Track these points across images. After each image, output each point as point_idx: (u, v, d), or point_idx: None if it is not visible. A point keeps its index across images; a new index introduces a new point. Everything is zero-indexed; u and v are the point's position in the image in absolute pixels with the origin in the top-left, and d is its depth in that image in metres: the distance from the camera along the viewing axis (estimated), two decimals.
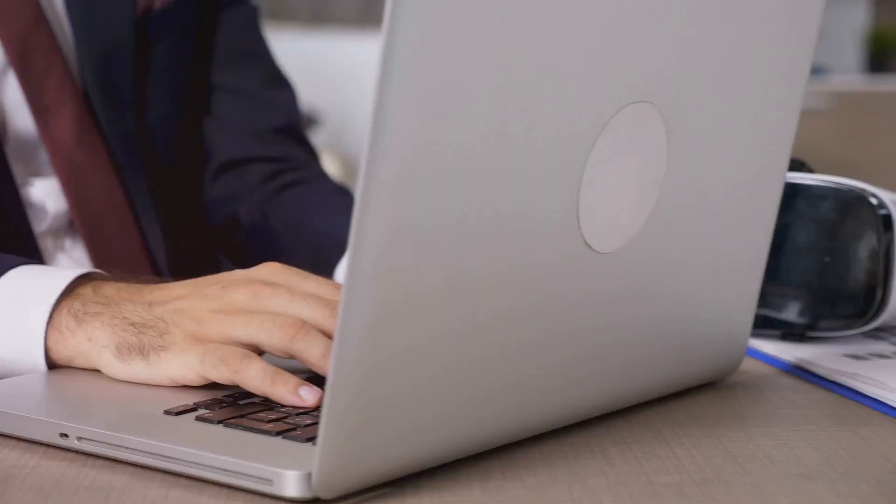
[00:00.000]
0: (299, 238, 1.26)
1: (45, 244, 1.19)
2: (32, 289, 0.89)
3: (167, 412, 0.78)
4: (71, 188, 1.19)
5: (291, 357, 0.81)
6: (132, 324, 0.84)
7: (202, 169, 1.34)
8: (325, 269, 1.18)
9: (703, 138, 0.82)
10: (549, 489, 0.71)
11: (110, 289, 0.88)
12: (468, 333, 0.71)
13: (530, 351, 0.76)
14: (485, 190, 0.69)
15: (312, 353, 0.80)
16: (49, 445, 0.78)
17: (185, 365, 0.82)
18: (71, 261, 1.20)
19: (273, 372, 0.79)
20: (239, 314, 0.82)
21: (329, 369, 0.65)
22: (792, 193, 1.02)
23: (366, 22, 5.19)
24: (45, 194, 1.19)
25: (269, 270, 0.86)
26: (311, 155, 1.38)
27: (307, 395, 0.78)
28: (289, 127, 1.36)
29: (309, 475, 0.67)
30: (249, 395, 0.81)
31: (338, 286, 0.84)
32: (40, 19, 1.18)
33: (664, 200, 0.80)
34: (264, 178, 1.32)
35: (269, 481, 0.68)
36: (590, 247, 0.76)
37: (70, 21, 1.21)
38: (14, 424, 0.79)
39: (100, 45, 1.21)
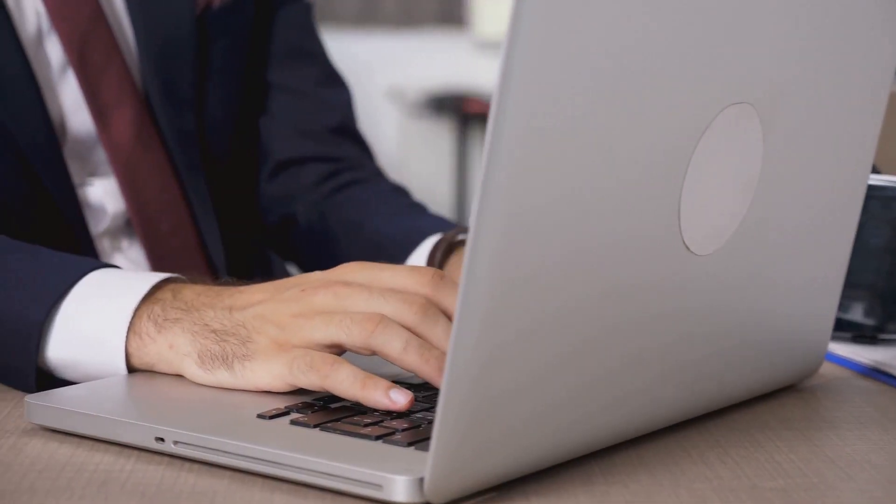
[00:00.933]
0: (358, 239, 1.25)
1: (103, 245, 1.18)
2: (112, 293, 0.87)
3: (260, 416, 0.77)
4: (129, 188, 1.18)
5: (372, 353, 0.80)
6: (213, 331, 0.83)
7: (258, 168, 1.33)
8: None
9: (796, 140, 0.81)
10: (654, 495, 0.70)
11: (189, 293, 0.87)
12: (574, 337, 0.71)
13: (630, 353, 0.75)
14: (594, 189, 0.68)
15: (393, 346, 0.79)
16: (142, 449, 0.77)
17: (271, 373, 0.81)
18: (128, 261, 1.19)
19: (363, 375, 0.78)
20: (318, 315, 0.81)
21: (444, 375, 0.64)
22: None
23: (366, 21, 5.19)
24: (104, 194, 1.18)
25: (347, 269, 0.84)
26: (367, 154, 1.37)
27: (398, 398, 0.77)
28: (344, 126, 1.35)
29: (420, 480, 0.67)
30: (338, 398, 0.80)
31: (415, 271, 0.83)
32: (100, 18, 1.17)
33: (758, 202, 0.80)
34: (320, 177, 1.31)
35: (377, 486, 0.68)
36: (689, 249, 0.76)
37: (130, 19, 1.20)
38: (107, 428, 0.78)
39: (160, 44, 1.20)
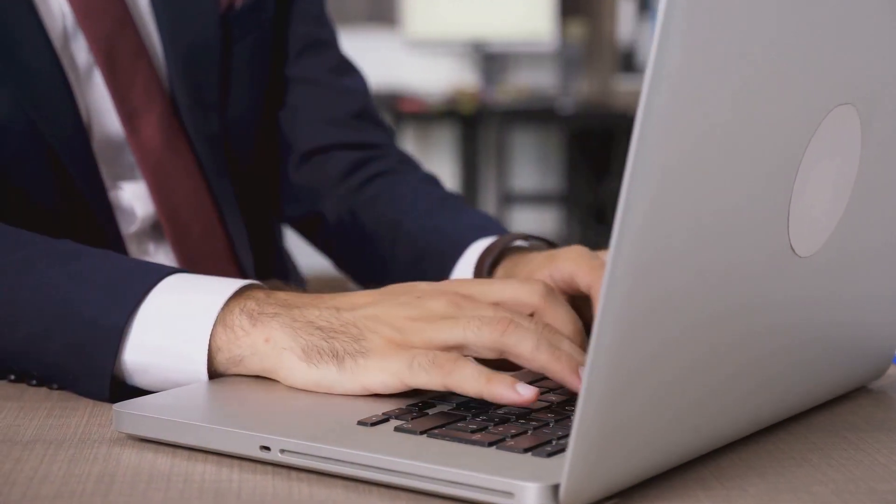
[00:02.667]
0: (398, 240, 1.23)
1: (130, 248, 1.16)
2: (199, 290, 0.86)
3: (361, 423, 0.76)
4: (158, 191, 1.16)
5: (501, 354, 0.80)
6: (319, 328, 0.82)
7: (281, 162, 1.31)
8: (435, 272, 1.15)
9: (892, 140, 0.81)
10: (776, 499, 0.70)
11: (283, 294, 0.86)
12: (699, 347, 0.70)
13: (743, 360, 0.75)
14: (721, 199, 0.68)
15: (525, 345, 0.79)
16: (242, 458, 0.75)
17: (386, 371, 0.79)
18: None
19: (488, 371, 0.77)
20: (441, 320, 0.80)
21: (581, 382, 0.64)
22: None
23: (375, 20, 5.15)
24: (134, 197, 1.16)
25: (458, 283, 0.85)
26: (390, 137, 1.36)
27: (525, 392, 0.76)
28: (365, 111, 1.34)
29: (554, 487, 0.66)
30: (434, 404, 0.79)
31: (525, 284, 0.83)
32: (126, 19, 1.15)
33: (853, 204, 0.80)
34: (347, 169, 1.30)
35: (508, 494, 0.67)
36: (793, 250, 0.76)
37: (155, 21, 1.17)
38: (207, 437, 0.76)
39: (186, 46, 1.18)
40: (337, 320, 0.82)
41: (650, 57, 0.61)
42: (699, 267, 0.68)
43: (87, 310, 0.86)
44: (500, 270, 1.09)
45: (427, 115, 5.64)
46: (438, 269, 1.15)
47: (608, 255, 0.62)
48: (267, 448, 0.74)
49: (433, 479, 0.69)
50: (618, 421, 0.66)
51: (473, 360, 0.79)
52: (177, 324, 0.85)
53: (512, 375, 0.78)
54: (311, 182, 1.31)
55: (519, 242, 1.10)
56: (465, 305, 0.82)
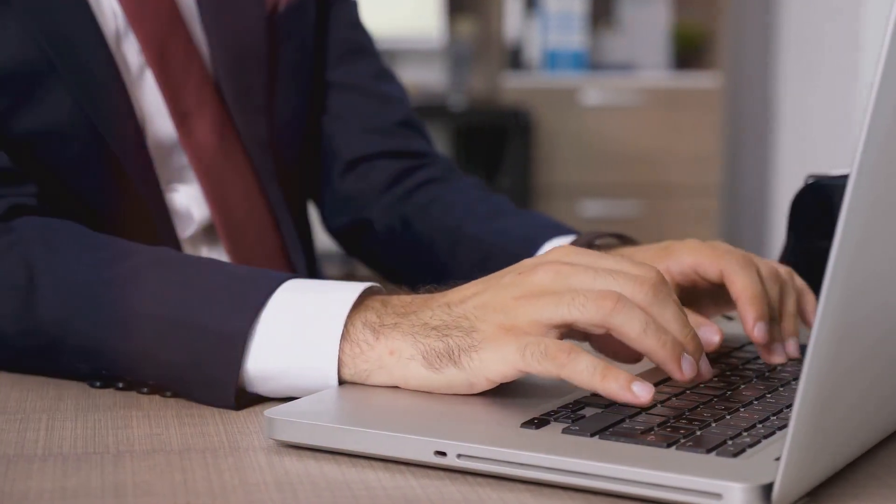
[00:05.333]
0: (460, 245, 1.22)
1: (185, 252, 1.13)
2: (317, 301, 0.84)
3: (524, 426, 0.75)
4: (213, 194, 1.14)
5: (607, 332, 0.78)
6: (434, 328, 0.81)
7: (325, 170, 1.29)
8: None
9: None
10: None
11: (397, 300, 0.84)
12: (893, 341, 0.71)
13: None
14: None
15: (632, 326, 0.77)
16: (411, 463, 0.74)
17: (502, 360, 0.78)
18: None
19: (602, 366, 0.76)
20: (545, 295, 0.79)
21: (799, 386, 0.64)
22: None
23: None
24: (189, 200, 1.14)
25: (562, 252, 0.82)
26: (431, 144, 1.35)
27: (640, 391, 0.76)
28: (409, 120, 1.33)
29: (763, 487, 0.66)
30: (583, 405, 0.79)
31: (637, 263, 0.82)
32: (177, 20, 1.12)
33: None
34: (392, 176, 1.28)
35: (716, 496, 0.67)
36: None
37: (202, 22, 1.15)
38: (377, 443, 0.75)
39: (234, 47, 1.16)
40: (449, 316, 0.81)
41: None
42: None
43: (206, 319, 0.84)
44: None
45: None
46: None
47: (827, 267, 0.62)
48: (442, 453, 0.73)
49: (632, 481, 0.69)
50: (826, 421, 0.67)
51: (588, 352, 0.78)
52: (302, 335, 0.83)
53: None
54: (356, 191, 1.29)
55: (601, 240, 1.09)
56: (570, 274, 0.80)
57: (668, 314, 0.79)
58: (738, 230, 4.88)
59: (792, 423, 0.64)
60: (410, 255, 1.27)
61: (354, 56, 1.32)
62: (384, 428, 0.75)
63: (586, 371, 0.76)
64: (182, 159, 1.14)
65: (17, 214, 0.96)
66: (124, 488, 0.70)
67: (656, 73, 4.57)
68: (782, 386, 0.86)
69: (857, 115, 4.16)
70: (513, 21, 4.47)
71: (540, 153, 4.30)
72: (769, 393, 0.84)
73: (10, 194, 0.98)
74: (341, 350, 0.83)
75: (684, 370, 0.78)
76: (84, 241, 0.92)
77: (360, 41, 1.34)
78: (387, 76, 1.35)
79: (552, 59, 4.42)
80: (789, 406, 0.80)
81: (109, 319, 0.87)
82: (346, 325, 0.83)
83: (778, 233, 4.72)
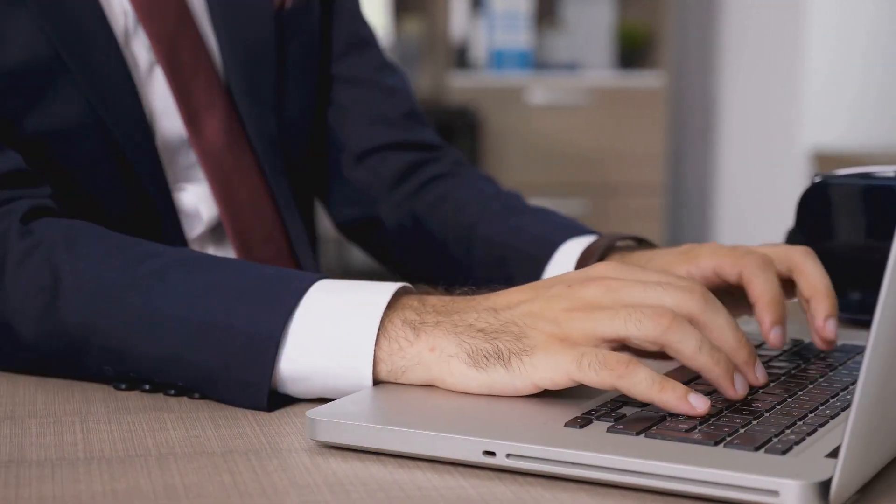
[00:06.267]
0: (475, 243, 1.22)
1: None
2: (351, 300, 0.84)
3: (568, 425, 0.75)
4: (221, 193, 1.13)
5: (661, 349, 0.79)
6: (480, 330, 0.80)
7: (333, 164, 1.28)
8: (523, 274, 1.14)
9: None
10: None
11: (435, 300, 0.84)
12: None
13: None
14: None
15: (688, 345, 0.78)
16: (458, 464, 0.74)
17: (554, 368, 0.78)
18: None
19: (660, 378, 0.77)
20: (598, 310, 0.79)
21: (858, 385, 0.64)
22: None
23: None
24: (198, 199, 1.13)
25: (609, 267, 0.83)
26: (436, 135, 1.34)
27: (697, 403, 0.76)
28: (415, 111, 1.32)
29: (821, 484, 0.66)
30: (621, 403, 0.79)
31: (682, 277, 0.82)
32: (186, 17, 1.12)
33: None
34: (403, 170, 1.28)
35: (773, 493, 0.67)
36: None
37: (211, 19, 1.14)
38: (424, 443, 0.75)
39: (243, 44, 1.15)
40: (496, 320, 0.81)
41: None
42: None
43: (237, 320, 0.83)
44: None
45: None
46: (526, 270, 1.14)
47: (888, 261, 0.62)
48: (491, 453, 0.73)
49: (688, 479, 0.69)
50: (880, 420, 0.67)
51: (644, 364, 0.78)
52: (337, 334, 0.83)
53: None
54: (365, 184, 1.28)
55: (623, 242, 1.09)
56: (619, 289, 0.80)
57: (721, 321, 0.80)
58: (682, 228, 4.91)
59: (850, 422, 0.65)
60: (423, 253, 1.26)
61: (359, 49, 1.31)
62: (432, 428, 0.75)
63: (644, 383, 0.76)
64: (190, 158, 1.13)
65: (37, 216, 0.95)
66: (175, 490, 0.69)
67: (601, 72, 4.59)
68: (811, 383, 0.86)
69: (798, 113, 4.20)
70: (459, 20, 4.47)
71: (487, 152, 4.31)
72: (801, 391, 0.84)
73: (29, 195, 0.97)
74: (378, 347, 0.82)
75: (737, 388, 0.79)
76: (107, 242, 0.91)
77: (363, 34, 1.33)
78: (390, 68, 1.34)
79: (498, 59, 4.43)
80: (824, 404, 0.81)
81: (137, 321, 0.86)
82: (383, 323, 0.83)
83: (719, 230, 4.76)
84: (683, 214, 4.93)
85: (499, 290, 0.85)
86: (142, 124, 1.08)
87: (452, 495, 0.69)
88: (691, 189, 4.92)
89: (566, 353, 0.78)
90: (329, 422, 0.76)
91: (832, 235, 1.09)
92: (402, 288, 0.85)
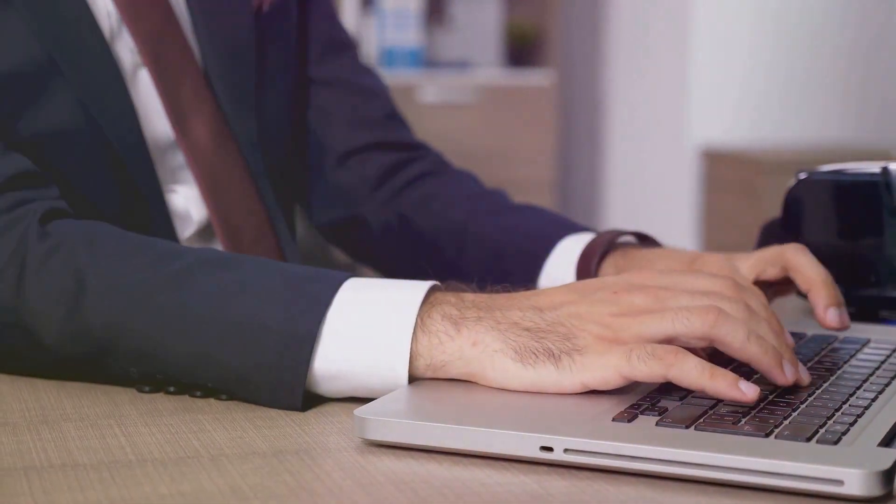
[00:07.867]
0: (468, 242, 1.22)
1: None
2: (385, 297, 0.83)
3: (616, 420, 0.76)
4: (211, 194, 1.12)
5: (711, 344, 0.80)
6: (526, 329, 0.81)
7: (317, 166, 1.27)
8: (520, 272, 1.14)
9: None
10: None
11: (472, 296, 0.84)
12: None
13: None
14: None
15: (736, 336, 0.79)
16: (512, 459, 0.74)
17: (604, 366, 0.79)
18: None
19: (710, 366, 0.78)
20: (645, 314, 0.80)
21: None
22: None
23: None
24: (188, 201, 1.11)
25: (648, 275, 0.84)
26: (415, 136, 1.34)
27: (748, 390, 0.77)
28: (393, 111, 1.32)
29: (883, 473, 0.68)
30: (658, 398, 0.79)
31: (717, 277, 0.84)
32: (171, 18, 1.11)
33: None
34: (385, 170, 1.28)
35: (837, 482, 0.68)
36: None
37: (192, 20, 1.13)
38: (479, 440, 0.75)
39: (224, 46, 1.15)
40: (542, 320, 0.81)
41: None
42: None
43: (269, 320, 0.82)
44: (609, 268, 1.09)
45: None
46: (523, 268, 1.14)
47: None
48: (549, 448, 0.73)
49: (749, 471, 0.70)
50: None
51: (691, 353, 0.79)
52: (372, 331, 0.83)
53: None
54: (348, 185, 1.28)
55: (624, 239, 1.10)
56: (665, 297, 0.82)
57: (765, 314, 0.82)
58: None
59: None
60: (411, 252, 1.26)
61: (335, 51, 1.31)
62: (487, 424, 0.75)
63: (695, 370, 0.78)
64: (178, 159, 1.12)
65: (54, 217, 0.92)
66: (242, 491, 0.68)
67: (490, 70, 4.61)
68: (833, 375, 0.87)
69: (685, 110, 4.26)
70: (349, 18, 4.46)
71: None
72: (824, 383, 0.85)
73: (41, 197, 0.95)
74: (417, 341, 0.82)
75: (787, 374, 0.80)
76: (128, 242, 0.89)
77: (340, 36, 1.33)
78: (367, 70, 1.34)
79: (389, 57, 4.42)
80: (852, 395, 0.82)
81: (165, 321, 0.84)
82: (421, 318, 0.82)
83: (608, 227, 4.79)
84: (572, 212, 4.97)
85: (529, 289, 0.85)
86: (134, 125, 1.07)
87: (518, 490, 0.70)
88: (580, 186, 4.96)
89: (615, 351, 0.79)
90: (379, 420, 0.76)
91: (819, 231, 1.11)
92: (434, 285, 0.85)
